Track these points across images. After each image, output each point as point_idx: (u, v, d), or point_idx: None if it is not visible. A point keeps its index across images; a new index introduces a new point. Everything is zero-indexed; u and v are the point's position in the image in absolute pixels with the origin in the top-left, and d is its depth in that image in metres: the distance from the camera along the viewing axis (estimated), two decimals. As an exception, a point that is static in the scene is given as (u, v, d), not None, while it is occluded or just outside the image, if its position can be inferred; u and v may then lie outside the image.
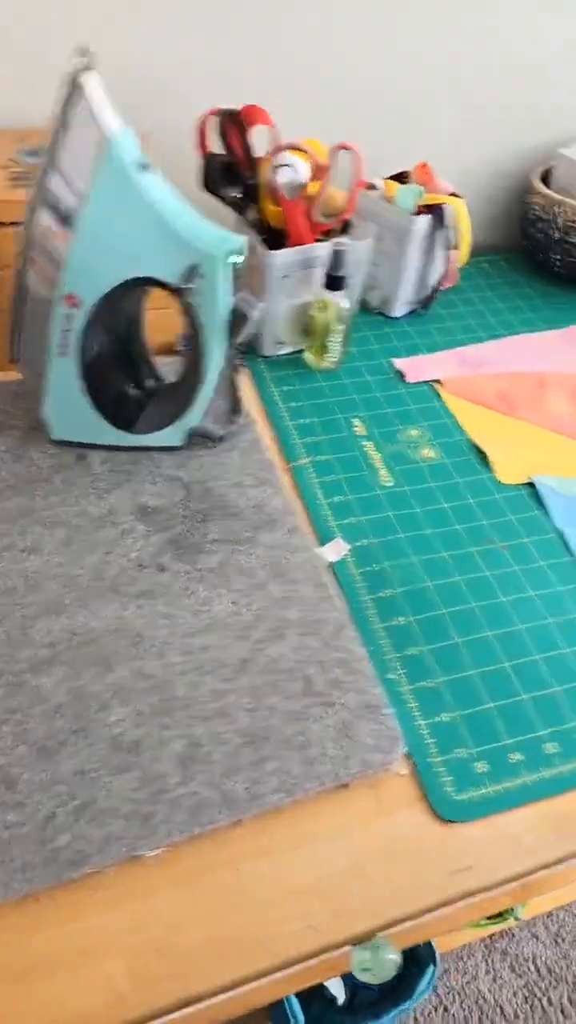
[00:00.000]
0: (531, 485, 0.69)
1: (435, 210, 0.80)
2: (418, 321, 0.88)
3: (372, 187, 0.82)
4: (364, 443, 0.72)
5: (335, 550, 0.61)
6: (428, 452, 0.72)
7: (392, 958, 0.51)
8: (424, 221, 0.79)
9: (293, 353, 0.81)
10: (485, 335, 0.87)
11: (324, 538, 0.62)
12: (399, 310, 0.87)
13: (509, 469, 0.71)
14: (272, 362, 0.80)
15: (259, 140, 0.72)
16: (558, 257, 0.92)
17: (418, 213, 0.80)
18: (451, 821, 0.46)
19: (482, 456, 0.72)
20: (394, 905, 0.43)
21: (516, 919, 1.02)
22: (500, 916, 1.01)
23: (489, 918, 1.01)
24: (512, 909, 1.02)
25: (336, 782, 0.46)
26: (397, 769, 0.48)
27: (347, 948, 0.50)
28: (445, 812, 0.46)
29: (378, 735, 0.48)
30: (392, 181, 0.83)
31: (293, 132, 0.78)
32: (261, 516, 0.62)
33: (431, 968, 0.95)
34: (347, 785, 0.47)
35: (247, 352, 0.80)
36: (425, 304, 0.88)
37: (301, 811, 0.46)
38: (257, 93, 0.80)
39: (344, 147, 0.67)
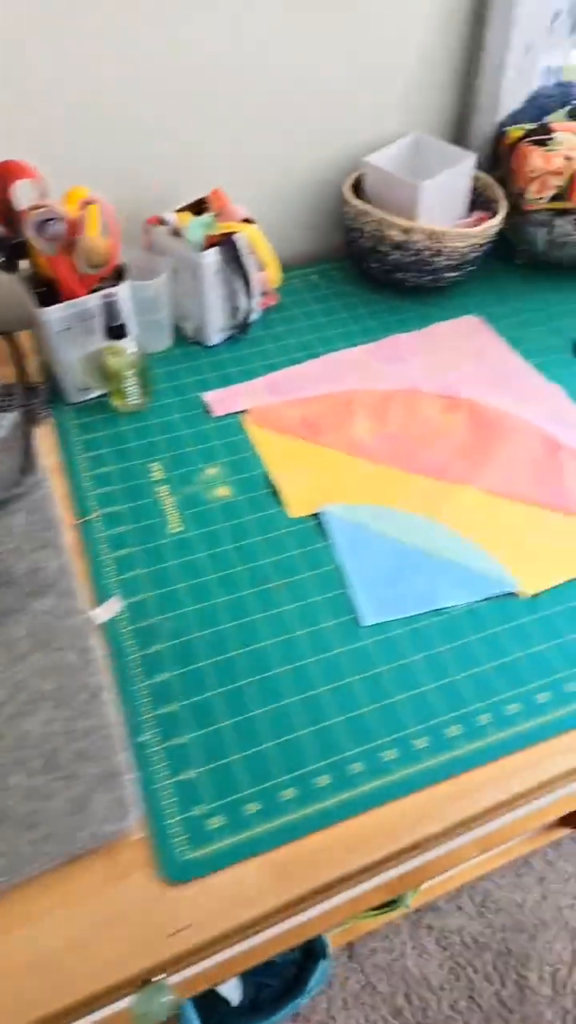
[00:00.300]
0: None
1: (224, 241, 0.80)
2: (236, 347, 0.88)
3: (163, 222, 0.82)
4: (159, 488, 0.73)
5: (108, 609, 0.63)
6: (224, 491, 0.73)
7: (165, 1001, 0.54)
8: (212, 255, 0.79)
9: (100, 397, 0.81)
10: (304, 355, 0.88)
11: (104, 597, 0.64)
12: (214, 338, 0.87)
13: (299, 501, 0.72)
14: (80, 408, 0.80)
15: (26, 193, 0.72)
16: (375, 265, 0.92)
17: (212, 243, 0.80)
18: (177, 882, 0.49)
19: (276, 490, 0.73)
20: (111, 972, 0.46)
21: (406, 907, 1.06)
22: (390, 905, 1.06)
23: (376, 908, 1.06)
24: (402, 896, 1.06)
25: (66, 857, 0.48)
26: (133, 834, 0.50)
27: (127, 1000, 0.53)
28: (172, 873, 0.49)
29: (114, 804, 0.50)
30: (186, 212, 0.83)
31: (75, 178, 0.77)
32: (36, 582, 0.63)
33: (321, 963, 1.00)
34: (81, 857, 0.49)
35: (51, 401, 0.81)
36: (242, 329, 0.88)
37: (31, 889, 0.48)
38: (32, 141, 0.80)
39: (89, 202, 0.67)
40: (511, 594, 0.64)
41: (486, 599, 0.64)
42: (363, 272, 0.97)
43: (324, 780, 0.53)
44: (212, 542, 0.68)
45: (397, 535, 0.68)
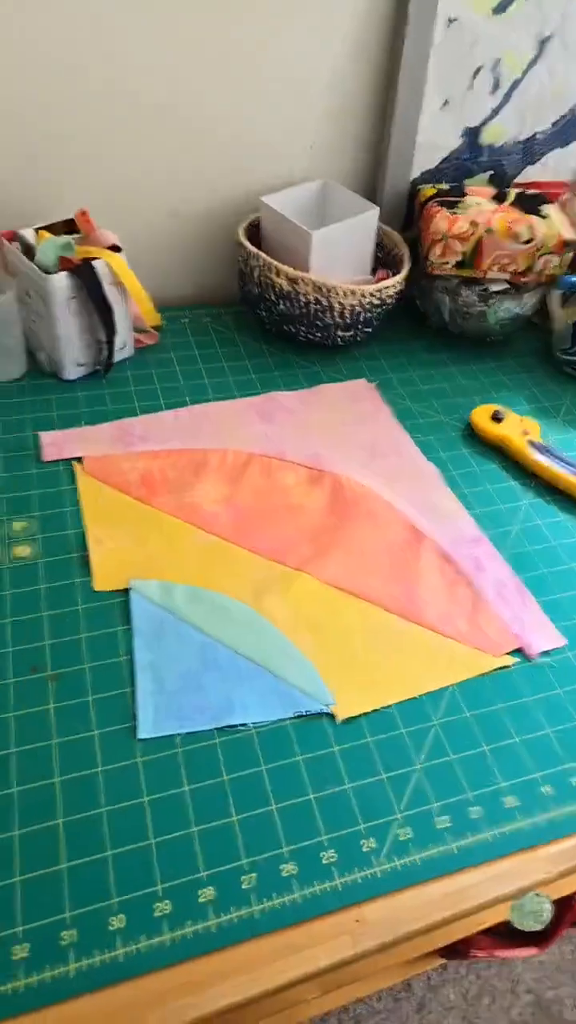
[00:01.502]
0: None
1: (81, 267, 0.71)
2: (95, 385, 0.79)
3: (17, 238, 0.73)
4: (-52, 539, 0.62)
5: None
6: (24, 550, 0.62)
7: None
8: (62, 279, 0.69)
9: None
10: (170, 403, 0.78)
11: None
12: (71, 373, 0.77)
13: (109, 573, 0.61)
14: None
15: None
16: (265, 315, 0.83)
17: (68, 268, 0.71)
18: None
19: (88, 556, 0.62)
20: None
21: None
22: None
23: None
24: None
25: None
26: None
27: None
28: None
29: None
30: (46, 231, 0.75)
31: None
32: None
33: None
34: None
35: None
36: (106, 367, 0.79)
37: None
38: None
39: None
40: (325, 713, 0.54)
41: (294, 717, 0.53)
42: (259, 322, 0.88)
43: (22, 952, 0.41)
44: (-13, 614, 0.57)
45: (206, 625, 0.57)
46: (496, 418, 0.74)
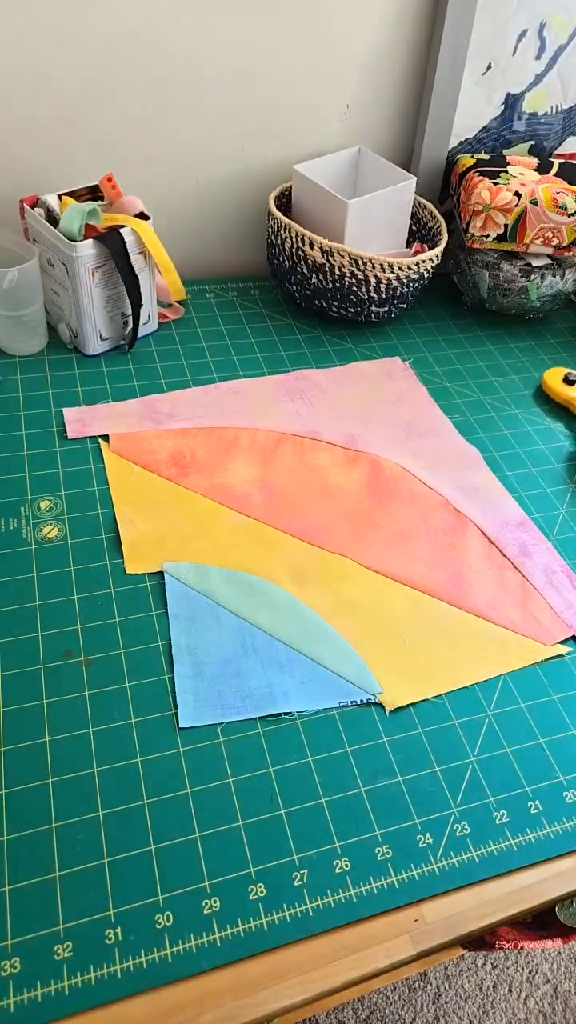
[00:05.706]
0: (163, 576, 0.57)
1: (108, 235, 0.67)
2: (120, 361, 0.76)
3: (40, 203, 0.70)
4: (-28, 518, 0.59)
5: None
6: (52, 531, 0.59)
7: None
8: (88, 248, 0.66)
9: None
10: (198, 379, 0.75)
11: None
12: (94, 347, 0.74)
13: (141, 555, 0.58)
14: None
15: None
16: (295, 288, 0.80)
17: (94, 236, 0.68)
18: None
19: (118, 536, 0.60)
20: None
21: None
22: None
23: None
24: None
25: None
26: None
27: None
28: None
29: None
30: (69, 198, 0.71)
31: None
32: None
33: None
34: None
35: None
36: (130, 342, 0.76)
37: None
38: None
39: None
40: (372, 703, 0.51)
41: (340, 707, 0.51)
42: (288, 296, 0.85)
43: (65, 951, 0.39)
44: (16, 594, 0.54)
45: (243, 610, 0.55)
46: (569, 380, 0.73)
